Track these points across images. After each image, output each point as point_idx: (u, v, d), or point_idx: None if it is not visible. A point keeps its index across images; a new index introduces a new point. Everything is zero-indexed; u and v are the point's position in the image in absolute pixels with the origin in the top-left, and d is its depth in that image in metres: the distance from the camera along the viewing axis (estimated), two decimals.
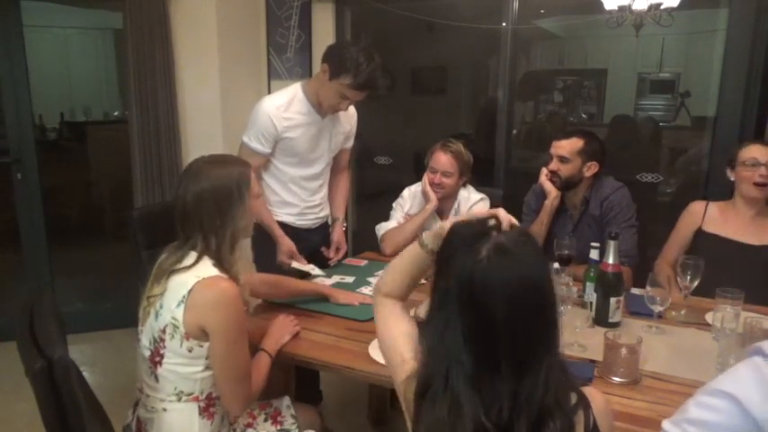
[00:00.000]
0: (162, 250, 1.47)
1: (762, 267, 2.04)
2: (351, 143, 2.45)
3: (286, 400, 1.62)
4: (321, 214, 2.41)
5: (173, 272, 1.36)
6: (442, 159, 2.40)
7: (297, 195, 2.29)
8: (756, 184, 2.05)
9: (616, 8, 2.55)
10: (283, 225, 2.26)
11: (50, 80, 5.27)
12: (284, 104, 2.14)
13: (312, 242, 2.37)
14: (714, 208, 2.21)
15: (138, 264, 2.04)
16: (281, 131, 2.14)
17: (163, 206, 2.81)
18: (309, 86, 2.19)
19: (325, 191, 2.41)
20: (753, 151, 2.06)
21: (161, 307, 1.35)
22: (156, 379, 1.38)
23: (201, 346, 1.34)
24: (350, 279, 2.17)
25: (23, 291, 3.34)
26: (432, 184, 2.43)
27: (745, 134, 2.71)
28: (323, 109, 2.19)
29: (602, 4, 2.59)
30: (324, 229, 2.45)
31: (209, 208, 1.38)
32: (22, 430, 2.47)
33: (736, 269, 1.97)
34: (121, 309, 3.09)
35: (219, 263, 1.40)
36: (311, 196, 2.33)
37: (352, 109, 2.32)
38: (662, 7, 2.46)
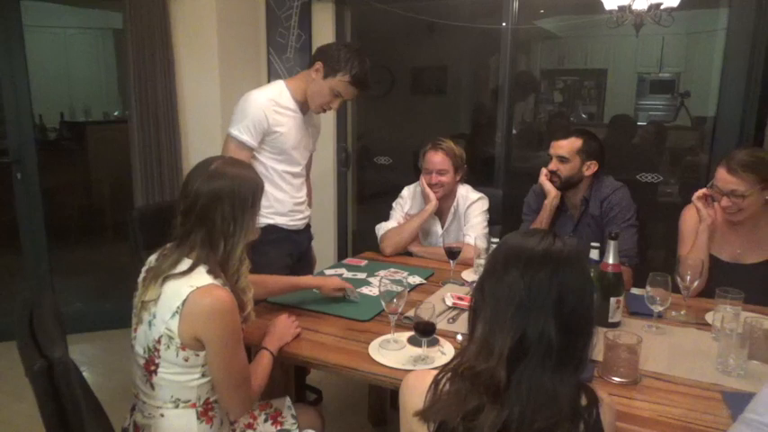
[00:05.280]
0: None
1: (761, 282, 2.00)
2: (315, 145, 2.42)
3: (286, 401, 1.61)
4: (306, 213, 2.38)
5: (167, 277, 1.32)
6: (435, 158, 2.42)
7: (285, 192, 2.25)
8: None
9: (616, 8, 2.55)
10: (273, 228, 2.21)
11: (50, 80, 5.28)
12: (275, 98, 2.14)
13: (301, 244, 2.36)
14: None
15: (138, 264, 2.02)
16: (272, 124, 2.12)
17: (163, 206, 2.82)
18: (294, 85, 2.19)
19: (305, 189, 2.38)
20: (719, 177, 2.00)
21: (154, 317, 1.32)
22: (152, 387, 1.35)
23: (198, 356, 1.31)
24: (362, 275, 2.18)
25: (23, 291, 3.34)
26: (430, 184, 2.43)
27: (745, 134, 2.71)
28: (309, 108, 2.20)
29: (602, 4, 2.59)
30: (308, 230, 2.44)
31: (225, 210, 1.33)
32: (22, 430, 2.47)
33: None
34: (121, 309, 3.02)
35: (222, 271, 1.36)
36: (297, 192, 2.30)
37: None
38: (662, 7, 2.46)
